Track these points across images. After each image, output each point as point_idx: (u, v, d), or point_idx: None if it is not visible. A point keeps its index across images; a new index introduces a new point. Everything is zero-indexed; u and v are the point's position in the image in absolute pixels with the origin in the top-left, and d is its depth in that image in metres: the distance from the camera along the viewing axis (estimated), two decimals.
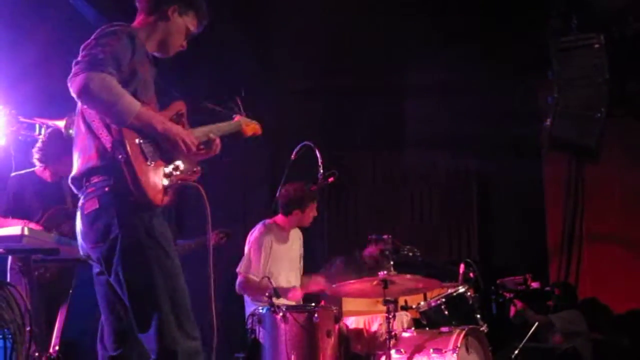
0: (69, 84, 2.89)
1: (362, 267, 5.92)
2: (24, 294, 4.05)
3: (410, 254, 5.57)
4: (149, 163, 2.95)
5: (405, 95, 7.73)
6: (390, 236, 5.34)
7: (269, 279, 4.88)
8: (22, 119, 4.83)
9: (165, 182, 2.99)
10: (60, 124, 4.80)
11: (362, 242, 6.49)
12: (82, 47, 2.98)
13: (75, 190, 3.13)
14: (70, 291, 4.85)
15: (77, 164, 3.06)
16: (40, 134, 4.84)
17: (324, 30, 6.71)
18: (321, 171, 4.77)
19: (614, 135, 6.97)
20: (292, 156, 5.07)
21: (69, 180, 3.13)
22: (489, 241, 7.66)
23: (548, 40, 6.58)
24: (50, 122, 4.79)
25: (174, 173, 3.03)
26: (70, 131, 4.75)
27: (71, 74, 2.89)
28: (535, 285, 6.52)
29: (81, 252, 3.17)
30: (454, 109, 7.49)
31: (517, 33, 6.86)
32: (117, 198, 2.92)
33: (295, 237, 5.74)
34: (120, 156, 2.87)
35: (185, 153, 3.04)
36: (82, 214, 3.02)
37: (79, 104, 3.06)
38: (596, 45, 6.47)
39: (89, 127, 3.03)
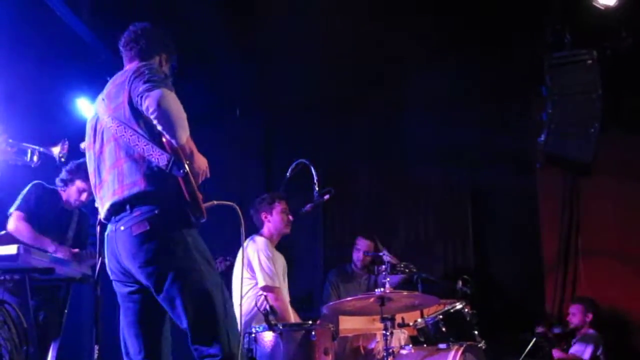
0: (140, 99, 3.04)
1: None
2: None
3: (407, 270, 5.56)
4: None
5: (400, 109, 7.75)
6: (386, 251, 5.32)
7: (266, 297, 4.83)
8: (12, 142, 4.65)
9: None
10: (55, 150, 4.74)
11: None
12: (134, 76, 3.13)
13: (103, 217, 3.28)
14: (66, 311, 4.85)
15: (116, 191, 3.16)
16: (32, 159, 4.71)
17: (318, 45, 6.73)
18: (317, 189, 4.73)
19: (608, 150, 6.98)
20: (288, 174, 5.04)
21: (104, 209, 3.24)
22: (484, 256, 7.65)
23: (542, 56, 6.62)
24: (42, 149, 4.69)
25: None
26: (62, 158, 4.72)
27: (142, 90, 3.03)
28: (557, 330, 6.71)
29: (112, 274, 3.29)
30: (448, 123, 7.51)
31: (512, 49, 6.90)
32: (168, 219, 3.10)
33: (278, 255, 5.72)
34: (181, 171, 3.03)
35: (199, 182, 3.21)
36: (128, 236, 3.12)
37: (108, 133, 3.20)
38: (589, 61, 6.51)
39: (128, 153, 3.14)
